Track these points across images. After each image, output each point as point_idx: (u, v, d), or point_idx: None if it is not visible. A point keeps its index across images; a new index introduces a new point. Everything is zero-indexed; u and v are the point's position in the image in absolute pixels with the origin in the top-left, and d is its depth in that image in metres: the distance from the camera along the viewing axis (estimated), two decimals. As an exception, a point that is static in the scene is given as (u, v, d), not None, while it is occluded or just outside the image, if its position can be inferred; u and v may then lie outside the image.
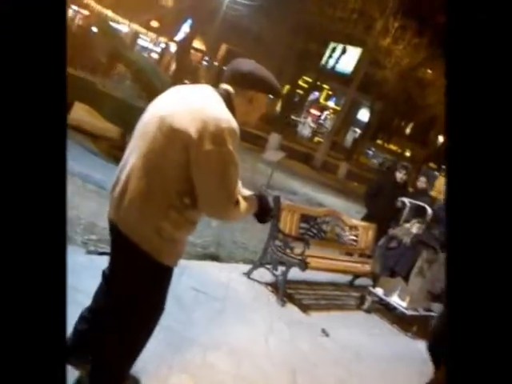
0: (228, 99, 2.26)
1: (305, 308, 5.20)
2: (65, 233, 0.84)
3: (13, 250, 0.73)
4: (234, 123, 2.14)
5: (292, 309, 5.09)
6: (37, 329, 0.73)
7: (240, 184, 2.49)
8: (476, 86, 0.69)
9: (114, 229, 2.36)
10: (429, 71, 29.11)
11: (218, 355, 3.54)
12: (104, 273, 2.67)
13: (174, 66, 31.55)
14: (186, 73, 29.80)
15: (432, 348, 3.68)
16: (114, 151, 8.85)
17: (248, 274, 5.42)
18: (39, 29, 0.78)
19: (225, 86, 2.31)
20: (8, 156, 0.74)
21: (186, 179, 2.15)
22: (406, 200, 6.28)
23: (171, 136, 2.12)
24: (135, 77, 9.45)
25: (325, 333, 4.68)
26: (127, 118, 8.17)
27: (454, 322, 0.66)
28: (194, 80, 34.61)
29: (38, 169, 0.76)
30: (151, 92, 9.06)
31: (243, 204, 2.32)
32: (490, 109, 0.68)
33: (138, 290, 2.35)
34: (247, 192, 2.56)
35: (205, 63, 42.30)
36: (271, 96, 2.38)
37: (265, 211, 2.54)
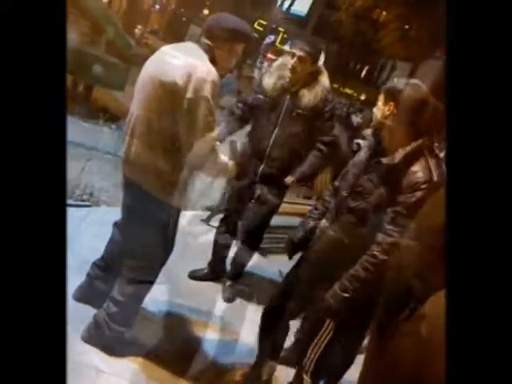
0: (210, 52, 2.57)
1: (263, 251, 5.29)
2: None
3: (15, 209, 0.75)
4: (214, 74, 2.46)
5: (251, 253, 5.17)
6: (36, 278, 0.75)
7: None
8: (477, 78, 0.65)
9: (124, 176, 2.69)
10: (383, 13, 28.93)
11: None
12: (116, 224, 3.00)
13: (124, 8, 30.31)
14: (138, 17, 28.73)
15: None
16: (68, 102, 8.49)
17: (207, 221, 5.46)
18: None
19: (205, 41, 2.60)
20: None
21: (176, 125, 2.46)
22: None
23: (163, 88, 2.44)
24: (86, 20, 9.03)
25: (282, 275, 4.80)
26: (78, 64, 7.84)
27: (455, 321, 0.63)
28: (145, 25, 33.46)
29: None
30: (103, 37, 8.69)
31: (223, 157, 2.61)
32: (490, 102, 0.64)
33: (148, 230, 2.65)
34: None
35: (157, 7, 40.85)
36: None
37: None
